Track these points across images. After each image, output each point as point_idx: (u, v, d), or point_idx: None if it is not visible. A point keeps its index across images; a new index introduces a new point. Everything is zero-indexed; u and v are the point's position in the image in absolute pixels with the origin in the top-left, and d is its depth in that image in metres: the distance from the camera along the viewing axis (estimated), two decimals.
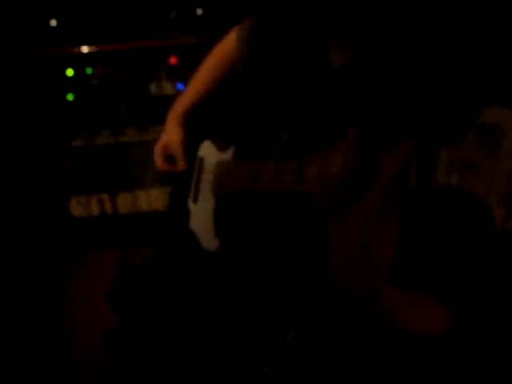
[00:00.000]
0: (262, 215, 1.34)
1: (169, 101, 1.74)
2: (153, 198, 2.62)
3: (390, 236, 0.86)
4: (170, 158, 1.57)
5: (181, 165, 1.53)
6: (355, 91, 1.11)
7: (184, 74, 2.42)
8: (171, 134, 1.57)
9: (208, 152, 1.50)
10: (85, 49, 2.43)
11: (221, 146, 1.47)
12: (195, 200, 1.52)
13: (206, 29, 2.38)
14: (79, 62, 2.45)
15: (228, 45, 1.58)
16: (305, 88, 1.21)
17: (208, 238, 1.46)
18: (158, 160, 1.57)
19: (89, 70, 2.47)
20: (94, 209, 2.67)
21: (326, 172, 0.91)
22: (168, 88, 2.48)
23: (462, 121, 0.84)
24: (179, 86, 2.46)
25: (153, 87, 2.48)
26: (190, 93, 1.62)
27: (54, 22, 2.37)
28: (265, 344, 1.27)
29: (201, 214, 1.50)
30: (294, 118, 1.23)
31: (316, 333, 1.23)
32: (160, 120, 1.74)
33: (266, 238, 1.35)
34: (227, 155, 1.42)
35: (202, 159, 1.51)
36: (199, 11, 2.38)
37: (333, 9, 1.16)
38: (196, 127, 1.60)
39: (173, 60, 2.45)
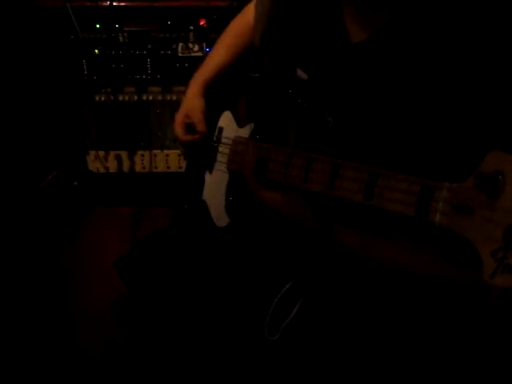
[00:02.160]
0: None
1: (195, 62, 1.73)
2: (170, 159, 2.61)
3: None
4: (189, 127, 1.56)
5: (200, 128, 1.52)
6: (372, 74, 1.08)
7: (212, 37, 2.38)
8: (191, 103, 1.56)
9: (228, 124, 1.49)
10: (115, 3, 2.39)
11: (241, 121, 1.45)
12: (211, 170, 1.51)
13: None
14: (108, 16, 2.42)
15: (247, 17, 1.56)
16: (327, 67, 1.19)
17: (218, 213, 1.46)
18: (178, 128, 1.56)
19: (117, 25, 2.43)
20: (112, 165, 2.67)
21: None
22: (195, 50, 2.44)
23: (465, 159, 0.82)
24: (206, 48, 2.42)
25: (180, 48, 2.45)
26: (210, 63, 1.61)
27: None
28: (272, 314, 1.28)
29: (214, 187, 1.49)
30: (314, 98, 1.21)
31: (321, 306, 1.24)
32: (185, 81, 1.72)
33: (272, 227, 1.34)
34: (245, 131, 1.40)
35: (221, 129, 1.50)
36: None
37: None
38: (218, 97, 1.58)
39: (202, 22, 2.41)
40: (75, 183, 2.78)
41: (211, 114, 1.53)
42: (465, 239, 0.74)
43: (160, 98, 2.55)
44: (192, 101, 1.56)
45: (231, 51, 1.60)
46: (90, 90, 2.56)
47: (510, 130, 0.90)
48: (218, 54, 1.62)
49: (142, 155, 2.67)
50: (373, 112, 1.08)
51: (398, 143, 1.02)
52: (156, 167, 2.69)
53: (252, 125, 1.39)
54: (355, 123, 1.11)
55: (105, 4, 2.40)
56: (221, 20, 2.37)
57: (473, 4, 0.98)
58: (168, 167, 2.66)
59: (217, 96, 1.57)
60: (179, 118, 1.57)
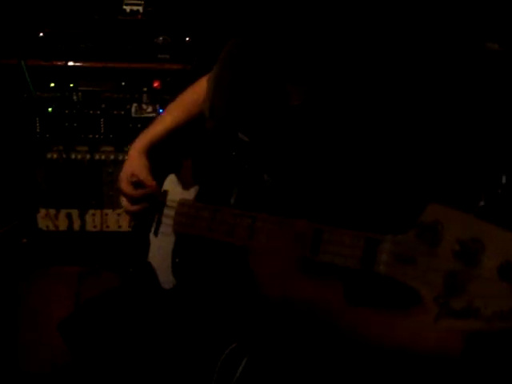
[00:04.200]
0: (217, 262, 1.35)
1: (148, 123, 1.74)
2: (121, 218, 2.60)
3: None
4: (136, 185, 1.56)
5: (149, 183, 1.53)
6: (314, 131, 1.12)
7: (166, 98, 2.42)
8: (136, 162, 1.57)
9: (173, 187, 1.50)
10: (70, 63, 2.42)
11: (185, 184, 1.47)
12: (156, 233, 1.52)
13: (191, 57, 2.38)
14: (63, 75, 2.44)
15: (198, 91, 1.60)
16: (267, 130, 1.23)
17: (165, 275, 1.46)
18: (126, 186, 1.56)
19: (72, 85, 2.45)
20: (62, 223, 2.65)
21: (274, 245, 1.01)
22: (149, 111, 2.47)
23: (406, 210, 0.85)
24: (160, 109, 2.45)
25: (134, 108, 2.47)
26: (159, 125, 1.63)
27: (42, 34, 2.36)
28: (218, 375, 1.27)
29: (160, 249, 1.49)
30: (254, 160, 1.24)
31: (267, 363, 1.24)
32: None
33: (220, 285, 1.35)
34: (190, 194, 1.42)
35: (165, 192, 1.51)
36: (187, 39, 2.38)
37: (289, 57, 1.19)
38: (162, 160, 1.60)
39: (156, 84, 2.45)
40: (24, 240, 2.74)
41: (156, 177, 1.55)
42: (409, 287, 0.76)
43: (112, 157, 2.56)
44: (137, 160, 1.58)
45: (178, 120, 1.63)
46: (42, 147, 2.56)
47: (447, 183, 0.93)
48: (166, 119, 1.65)
49: (93, 214, 2.66)
50: (309, 169, 1.12)
51: (336, 199, 1.05)
52: (107, 226, 2.67)
53: (197, 187, 1.41)
54: (292, 181, 1.14)
55: (60, 63, 2.41)
56: (174, 82, 2.41)
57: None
58: (119, 226, 2.65)
59: (161, 159, 1.59)
60: (124, 176, 1.58)
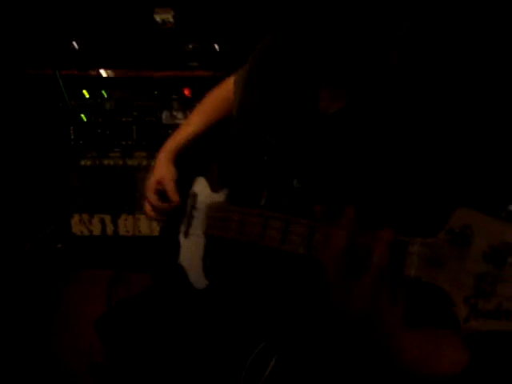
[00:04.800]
0: (249, 264, 1.37)
1: None
2: (153, 223, 2.65)
3: (395, 307, 0.89)
4: (162, 194, 1.60)
5: (173, 199, 1.56)
6: (344, 140, 1.14)
7: (195, 105, 2.46)
8: (163, 170, 1.60)
9: (202, 189, 1.53)
10: (103, 72, 2.48)
11: (214, 186, 1.50)
12: (186, 235, 1.55)
13: (220, 64, 2.43)
14: (96, 84, 2.51)
15: (226, 89, 1.62)
16: (296, 136, 1.25)
17: (196, 277, 1.48)
18: (152, 195, 1.60)
19: (104, 93, 2.52)
20: (95, 228, 2.71)
21: (334, 245, 0.94)
22: (179, 118, 2.52)
23: (435, 214, 0.87)
24: None
25: (165, 115, 2.53)
26: (184, 131, 1.66)
27: (75, 45, 2.43)
28: (247, 373, 1.29)
29: (191, 251, 1.52)
30: (283, 165, 1.27)
31: (296, 364, 1.26)
32: None
33: (252, 286, 1.37)
34: (220, 197, 1.45)
35: (195, 195, 1.54)
36: (216, 47, 2.43)
37: (324, 59, 1.18)
38: (191, 163, 1.63)
39: (186, 91, 2.50)
40: (59, 245, 2.81)
41: (185, 180, 1.58)
42: (439, 289, 0.78)
43: (145, 163, 2.62)
44: (164, 168, 1.60)
45: (205, 121, 1.65)
46: (77, 154, 2.63)
47: (476, 189, 0.95)
48: (193, 123, 1.67)
49: (126, 219, 2.71)
50: (339, 178, 1.13)
51: (366, 205, 1.05)
52: (140, 231, 2.72)
53: (226, 190, 1.43)
54: (322, 188, 1.16)
55: (93, 73, 2.48)
56: (204, 90, 2.45)
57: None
58: (151, 231, 2.70)
59: (190, 161, 1.63)
60: (152, 185, 1.60)
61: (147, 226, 2.69)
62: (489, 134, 0.99)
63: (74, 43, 2.46)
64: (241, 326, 1.39)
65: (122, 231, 2.74)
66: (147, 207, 1.64)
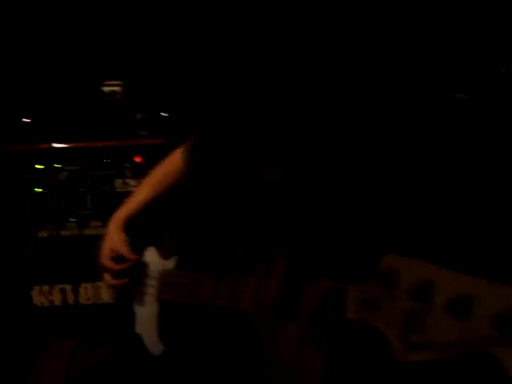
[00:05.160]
0: (202, 325, 1.42)
1: None
2: (114, 291, 2.66)
3: (320, 356, 0.96)
4: (117, 259, 1.63)
5: (131, 257, 1.59)
6: (286, 207, 1.21)
7: (148, 172, 2.52)
8: (115, 238, 1.64)
9: (152, 258, 1.58)
10: (55, 145, 2.53)
11: (164, 254, 1.55)
12: (141, 304, 1.59)
13: (170, 131, 2.50)
14: (49, 157, 2.55)
15: (175, 159, 1.69)
16: (239, 201, 1.32)
17: (152, 342, 1.52)
18: (108, 262, 1.63)
19: (57, 165, 2.56)
20: (56, 298, 2.72)
21: (262, 296, 1.02)
22: (132, 185, 2.57)
23: (366, 262, 0.95)
24: None
25: (118, 183, 2.58)
26: (134, 199, 1.71)
27: (25, 120, 2.49)
28: None
29: (146, 319, 1.56)
30: (228, 232, 1.33)
31: None
32: None
33: (206, 347, 1.42)
34: (170, 264, 1.50)
35: (146, 264, 1.59)
36: (164, 114, 2.51)
37: (265, 135, 1.28)
38: (140, 232, 1.67)
39: (138, 159, 2.56)
40: (20, 318, 2.80)
41: (135, 249, 1.62)
42: (376, 329, 0.85)
43: (101, 231, 2.63)
44: (116, 235, 1.64)
45: (154, 191, 1.71)
46: (33, 227, 2.65)
47: (403, 236, 1.03)
48: (142, 193, 1.72)
49: (86, 287, 2.73)
50: (278, 240, 1.20)
51: (307, 258, 1.12)
52: (101, 298, 2.74)
53: (176, 257, 1.49)
54: (264, 251, 1.22)
55: (45, 146, 2.53)
56: (155, 157, 2.52)
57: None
58: (113, 297, 2.72)
59: (139, 231, 1.67)
60: (106, 253, 1.64)
61: (108, 293, 2.71)
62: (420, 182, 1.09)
63: (25, 118, 2.50)
64: None
65: (82, 300, 2.75)
66: (106, 275, 1.66)
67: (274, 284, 1.00)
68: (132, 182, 2.58)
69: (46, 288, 2.72)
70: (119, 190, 2.60)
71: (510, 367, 0.67)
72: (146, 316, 1.57)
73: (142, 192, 1.74)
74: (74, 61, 2.65)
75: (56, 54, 2.64)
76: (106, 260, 1.64)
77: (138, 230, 1.68)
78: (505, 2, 1.31)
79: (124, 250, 1.60)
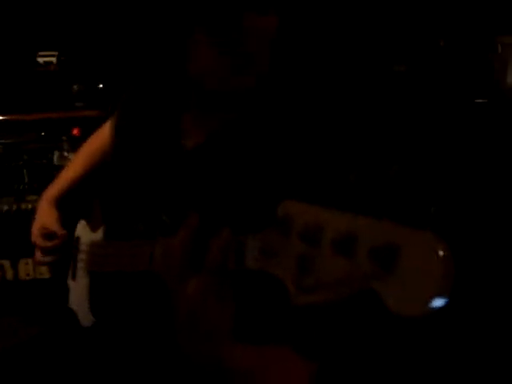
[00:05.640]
0: (128, 292, 1.42)
1: None
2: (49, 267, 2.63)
3: (226, 307, 0.96)
4: (48, 236, 1.62)
5: (60, 233, 1.58)
6: (201, 172, 1.22)
7: None
8: (45, 215, 1.63)
9: (83, 232, 1.57)
10: None
11: (93, 227, 1.54)
12: (73, 277, 1.58)
13: (106, 103, 2.46)
14: None
15: (103, 133, 1.68)
16: (162, 170, 1.32)
17: (83, 314, 1.52)
18: (38, 238, 1.62)
19: None
20: None
21: (169, 253, 1.03)
22: (70, 158, 2.53)
23: (264, 211, 0.96)
24: None
25: (56, 157, 2.54)
26: (65, 176, 1.70)
27: None
28: None
29: (78, 292, 1.55)
30: (153, 200, 1.33)
31: None
32: None
33: (133, 314, 1.42)
34: (98, 235, 1.49)
35: (78, 238, 1.58)
36: (100, 86, 2.47)
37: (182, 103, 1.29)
38: (73, 207, 1.66)
39: (75, 131, 2.52)
40: None
41: (68, 225, 1.61)
42: (275, 277, 0.85)
43: None
44: (46, 212, 1.63)
45: (84, 166, 1.70)
46: None
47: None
48: (72, 169, 1.71)
49: (26, 263, 2.69)
50: (198, 204, 1.21)
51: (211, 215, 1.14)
52: (41, 273, 2.71)
53: (103, 227, 1.48)
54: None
55: None
56: (92, 129, 2.48)
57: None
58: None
59: (72, 206, 1.66)
60: (35, 230, 1.63)
61: (47, 269, 2.67)
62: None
63: None
64: (133, 364, 1.42)
65: (22, 275, 2.71)
66: (37, 253, 1.65)
67: (181, 238, 1.00)
68: (70, 155, 2.54)
69: None
70: (57, 163, 2.55)
71: (387, 298, 0.67)
72: (77, 290, 1.57)
73: (72, 168, 1.73)
74: (8, 31, 2.57)
75: None
76: (36, 238, 1.63)
77: (70, 206, 1.66)
78: None
79: (54, 226, 1.59)
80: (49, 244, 1.62)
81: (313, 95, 1.22)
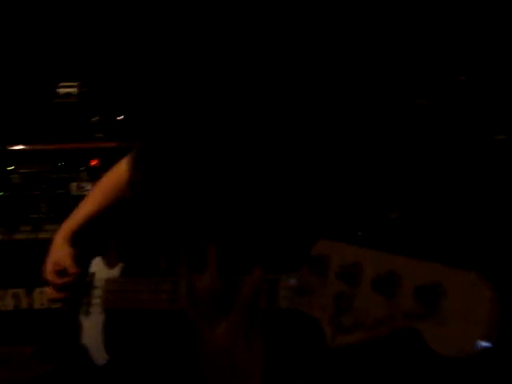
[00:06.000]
0: (147, 330, 1.40)
1: None
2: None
3: (256, 348, 0.94)
4: (61, 273, 1.60)
5: (72, 271, 1.57)
6: (229, 205, 1.21)
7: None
8: (59, 251, 1.61)
9: (98, 268, 1.55)
10: (9, 147, 2.48)
11: (110, 263, 1.52)
12: (86, 314, 1.56)
13: (125, 134, 2.47)
14: (2, 159, 2.50)
15: (121, 169, 1.67)
16: (184, 204, 1.30)
17: (97, 352, 1.49)
18: (50, 275, 1.60)
19: (11, 168, 2.52)
20: (9, 303, 2.67)
21: (195, 290, 1.00)
22: (88, 188, 2.54)
23: (298, 251, 0.94)
24: None
25: (73, 187, 2.54)
26: (81, 212, 1.68)
27: None
28: None
29: (91, 329, 1.53)
30: (175, 236, 1.32)
31: None
32: None
33: (151, 353, 1.40)
34: (115, 272, 1.48)
35: (92, 274, 1.56)
36: (120, 117, 2.48)
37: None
38: (88, 244, 1.65)
39: (93, 162, 2.52)
40: None
41: (82, 261, 1.60)
42: (310, 316, 0.84)
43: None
44: (60, 249, 1.62)
45: (100, 202, 1.68)
46: None
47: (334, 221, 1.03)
48: (88, 205, 1.70)
49: (41, 292, 2.68)
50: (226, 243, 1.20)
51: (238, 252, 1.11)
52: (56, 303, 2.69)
53: (121, 264, 1.46)
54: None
55: None
56: (111, 160, 2.49)
57: None
58: None
59: (87, 243, 1.65)
60: (49, 267, 1.61)
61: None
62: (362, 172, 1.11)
63: None
64: None
65: (37, 304, 2.70)
66: (48, 289, 1.64)
67: (209, 277, 0.98)
68: (87, 186, 2.55)
69: None
70: (74, 193, 2.56)
71: (431, 338, 0.66)
72: (91, 327, 1.54)
73: (88, 204, 1.72)
74: (29, 61, 2.60)
75: (11, 54, 2.59)
76: (48, 274, 1.61)
77: (85, 242, 1.65)
78: (464, 12, 1.32)
79: (67, 263, 1.58)
80: (60, 281, 1.60)
81: (340, 131, 1.20)
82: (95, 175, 2.54)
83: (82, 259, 1.60)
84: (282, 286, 0.91)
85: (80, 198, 2.54)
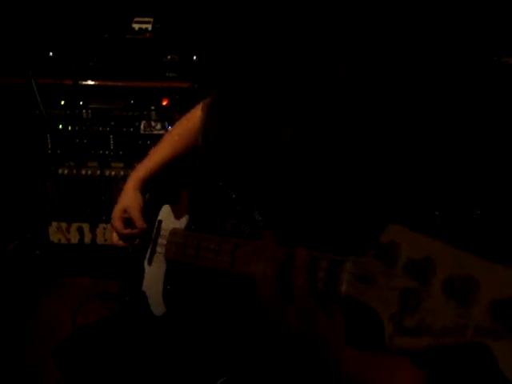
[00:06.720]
0: (206, 288, 1.36)
1: (157, 140, 1.76)
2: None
3: (336, 318, 0.88)
4: (128, 221, 1.58)
5: (139, 225, 1.54)
6: (300, 170, 1.14)
7: (174, 116, 2.45)
8: (128, 199, 1.58)
9: (166, 217, 1.52)
10: (80, 81, 2.46)
11: (178, 214, 1.49)
12: (150, 262, 1.54)
13: (198, 75, 2.41)
14: (73, 93, 2.48)
15: (192, 118, 1.61)
16: (257, 163, 1.24)
17: (156, 302, 1.47)
18: (117, 222, 1.58)
19: (81, 103, 2.50)
20: (73, 236, 2.70)
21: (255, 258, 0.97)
22: (157, 128, 2.50)
23: (366, 233, 0.87)
24: (168, 126, 2.48)
25: (142, 126, 2.51)
26: (153, 159, 1.64)
27: (51, 53, 2.41)
28: None
29: (153, 277, 1.51)
30: (247, 196, 1.26)
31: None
32: None
33: (208, 311, 1.37)
34: (181, 223, 1.44)
35: (160, 222, 1.53)
36: (194, 58, 2.41)
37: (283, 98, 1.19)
38: (159, 190, 1.61)
39: (164, 102, 2.47)
40: (37, 252, 2.80)
41: (153, 207, 1.57)
42: (367, 306, 0.78)
43: (122, 173, 2.60)
44: (130, 196, 1.59)
45: (173, 150, 1.64)
46: (54, 163, 2.61)
47: (405, 206, 0.95)
48: (161, 152, 1.65)
49: (104, 228, 2.70)
50: (298, 207, 1.13)
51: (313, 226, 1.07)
52: None
53: (187, 216, 1.42)
54: (283, 220, 1.15)
55: (69, 82, 2.46)
56: (182, 100, 2.44)
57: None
58: None
59: (158, 189, 1.61)
60: (117, 212, 1.59)
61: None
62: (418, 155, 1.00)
63: (51, 52, 2.42)
64: (201, 356, 1.38)
65: (99, 240, 2.72)
66: (113, 235, 1.63)
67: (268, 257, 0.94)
68: (157, 125, 2.51)
69: (63, 225, 2.70)
70: (143, 132, 2.53)
71: (505, 361, 0.58)
72: (152, 275, 1.52)
73: (160, 150, 1.67)
74: None
75: None
76: (115, 220, 1.60)
77: (157, 188, 1.62)
78: None
79: (135, 215, 1.55)
80: (125, 231, 1.58)
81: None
82: (165, 115, 2.50)
83: (151, 206, 1.58)
84: (345, 268, 0.84)
85: (148, 138, 2.53)
